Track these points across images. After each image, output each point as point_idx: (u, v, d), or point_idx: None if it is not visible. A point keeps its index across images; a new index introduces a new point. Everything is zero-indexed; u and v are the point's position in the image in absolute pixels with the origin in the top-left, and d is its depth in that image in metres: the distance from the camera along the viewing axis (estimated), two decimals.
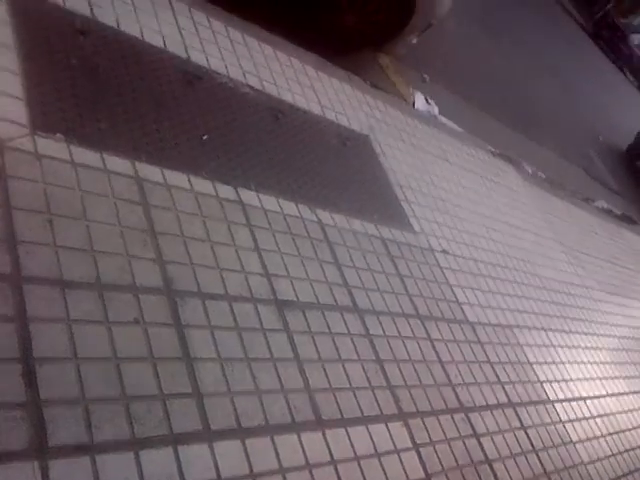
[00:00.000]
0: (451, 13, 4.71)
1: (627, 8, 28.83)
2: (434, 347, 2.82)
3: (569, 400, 3.53)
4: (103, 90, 2.23)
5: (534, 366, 3.45)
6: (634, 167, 11.00)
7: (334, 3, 3.90)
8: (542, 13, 16.19)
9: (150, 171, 2.12)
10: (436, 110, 4.84)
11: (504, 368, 3.19)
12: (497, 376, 3.08)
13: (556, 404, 3.38)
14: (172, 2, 2.87)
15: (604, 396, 3.92)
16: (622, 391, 4.18)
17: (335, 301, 2.47)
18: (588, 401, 3.70)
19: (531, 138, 6.90)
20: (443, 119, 4.91)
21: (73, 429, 1.43)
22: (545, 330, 3.83)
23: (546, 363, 3.59)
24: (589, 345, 4.25)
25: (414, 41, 4.43)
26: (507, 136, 6.21)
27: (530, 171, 5.72)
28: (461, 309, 3.20)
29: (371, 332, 2.52)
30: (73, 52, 2.24)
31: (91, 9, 2.45)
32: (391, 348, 2.57)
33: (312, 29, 3.95)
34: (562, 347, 3.90)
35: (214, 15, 3.07)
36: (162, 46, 2.63)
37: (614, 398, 4.01)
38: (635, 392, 4.35)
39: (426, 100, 4.78)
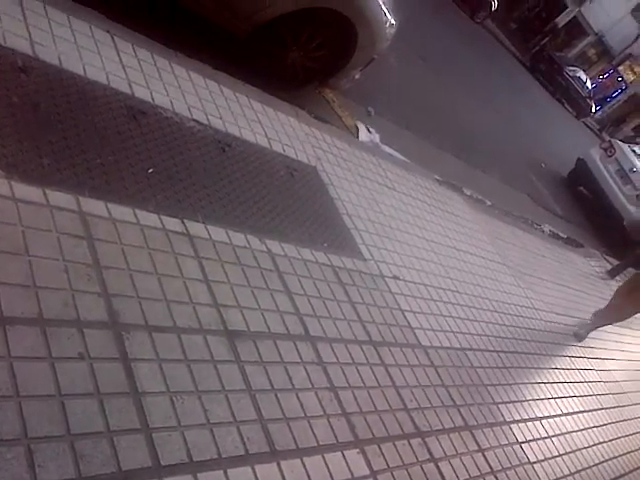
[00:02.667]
0: (392, 48, 4.89)
1: (562, 42, 30.38)
2: (388, 372, 2.84)
3: (525, 420, 3.59)
4: (45, 127, 2.22)
5: (488, 388, 3.50)
6: (576, 192, 11.45)
7: (278, 39, 3.99)
8: (481, 48, 16.89)
9: (94, 205, 2.11)
10: (377, 138, 4.96)
11: (459, 391, 3.22)
12: (452, 399, 3.11)
13: (512, 425, 3.42)
14: (115, 40, 2.89)
15: (560, 415, 3.99)
16: (577, 409, 4.27)
17: (287, 330, 2.47)
18: (544, 421, 3.76)
19: (475, 166, 7.13)
20: (388, 149, 5.04)
21: (15, 470, 1.38)
22: (497, 352, 3.90)
23: (500, 384, 3.65)
24: (541, 365, 4.35)
25: (357, 76, 4.56)
26: (452, 165, 6.41)
27: (476, 198, 5.88)
28: (414, 333, 3.24)
29: (324, 360, 2.53)
30: (14, 90, 2.23)
31: (32, 47, 2.45)
32: (345, 375, 2.57)
33: (257, 64, 4.02)
34: (515, 368, 3.97)
35: (158, 52, 3.10)
36: (105, 82, 2.64)
37: (570, 417, 4.09)
38: (590, 410, 4.45)
39: (367, 129, 4.90)
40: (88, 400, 1.62)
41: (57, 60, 2.52)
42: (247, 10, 3.75)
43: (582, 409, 4.34)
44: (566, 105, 23.01)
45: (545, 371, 4.31)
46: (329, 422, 2.32)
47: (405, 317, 3.27)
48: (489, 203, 6.13)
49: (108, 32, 2.90)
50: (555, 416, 3.93)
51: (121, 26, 3.04)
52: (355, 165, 4.12)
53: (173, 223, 2.36)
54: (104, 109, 2.52)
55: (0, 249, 1.72)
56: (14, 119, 2.13)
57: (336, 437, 2.30)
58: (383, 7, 4.26)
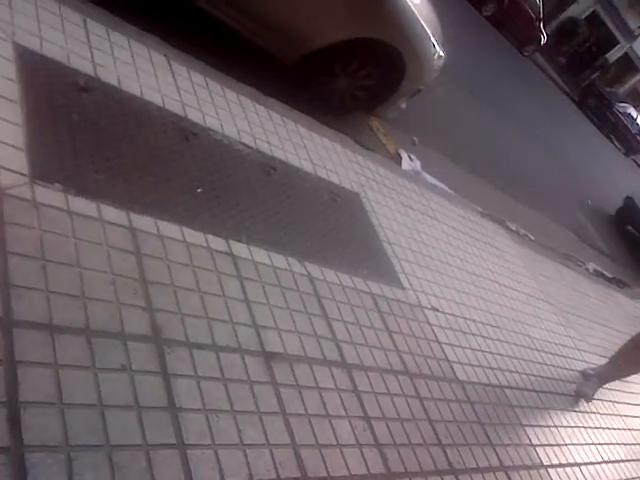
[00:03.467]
0: (440, 80, 4.92)
1: (612, 77, 29.99)
2: (423, 405, 2.80)
3: (563, 466, 3.47)
4: (102, 144, 2.31)
5: (526, 428, 3.40)
6: (623, 231, 11.19)
7: (327, 68, 4.06)
8: (529, 82, 16.80)
9: (144, 221, 2.17)
10: (420, 167, 4.96)
11: (495, 429, 3.14)
12: (488, 437, 3.04)
13: (550, 469, 3.31)
14: (171, 63, 2.99)
15: (600, 462, 3.85)
16: (619, 458, 4.11)
17: (323, 355, 2.47)
18: (583, 467, 3.63)
19: (520, 201, 7.04)
20: (431, 179, 5.03)
21: (55, 476, 1.41)
22: (537, 391, 3.80)
23: (539, 426, 3.54)
24: (582, 409, 4.21)
25: (404, 105, 4.59)
26: (496, 198, 6.35)
27: (519, 232, 5.80)
28: (451, 367, 3.19)
29: (359, 388, 2.51)
30: (75, 107, 2.32)
31: (94, 68, 2.56)
32: (379, 405, 2.55)
33: (305, 91, 4.10)
34: (555, 409, 3.86)
35: (211, 76, 3.20)
36: (161, 104, 2.73)
37: (611, 465, 3.94)
38: (633, 460, 4.27)
39: (410, 158, 4.91)
40: (127, 412, 1.65)
41: (116, 81, 2.62)
42: (297, 39, 3.84)
43: (624, 458, 4.18)
44: (615, 141, 22.61)
45: (586, 415, 4.16)
46: (361, 452, 2.29)
47: (443, 350, 3.23)
48: (533, 238, 6.04)
49: (165, 56, 3.01)
50: (595, 463, 3.79)
51: (177, 50, 3.15)
52: (398, 193, 4.12)
53: (217, 242, 2.41)
54: (158, 129, 2.60)
55: (53, 259, 1.78)
56: (73, 136, 2.22)
57: (368, 468, 2.27)
58: (432, 39, 4.31)
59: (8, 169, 1.89)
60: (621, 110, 22.24)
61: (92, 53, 2.61)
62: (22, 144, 2.00)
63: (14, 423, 1.41)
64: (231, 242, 2.47)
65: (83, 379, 1.61)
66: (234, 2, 3.55)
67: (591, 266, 7.21)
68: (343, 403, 2.38)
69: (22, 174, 1.92)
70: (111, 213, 2.08)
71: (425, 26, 4.21)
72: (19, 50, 2.29)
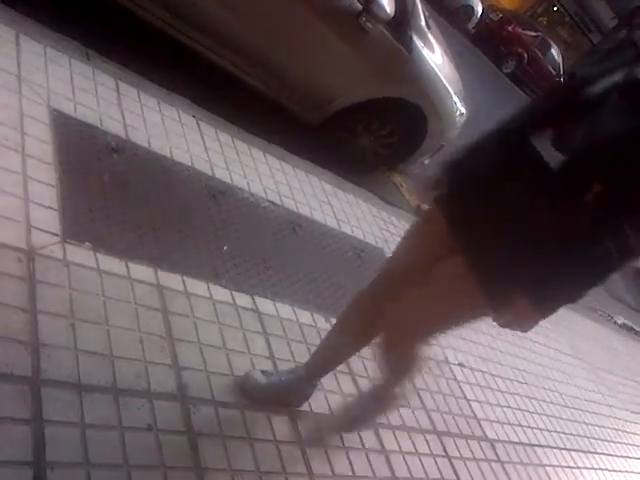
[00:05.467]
0: (462, 136, 4.98)
1: None
2: (452, 465, 2.72)
3: None
4: (132, 203, 2.37)
5: None
6: None
7: (350, 127, 4.15)
8: None
9: (171, 279, 2.20)
10: None
11: None
12: None
13: None
14: (199, 124, 3.09)
15: None
16: None
17: None
18: None
19: None
20: None
21: None
22: (568, 450, 3.68)
23: None
24: (616, 468, 4.05)
25: (426, 162, 4.64)
26: None
27: None
28: (479, 425, 3.11)
29: (387, 448, 2.46)
30: (106, 168, 2.40)
31: (125, 130, 2.65)
32: (407, 465, 2.48)
33: (328, 149, 4.18)
34: (587, 469, 3.73)
35: (238, 136, 3.29)
36: (189, 164, 2.80)
37: None
38: None
39: None
40: (153, 472, 1.63)
41: (146, 142, 2.70)
42: (321, 100, 3.95)
43: None
44: None
45: (619, 474, 4.01)
46: None
47: (471, 407, 3.16)
48: None
49: (194, 117, 3.11)
50: None
51: (205, 111, 3.25)
52: None
53: (244, 299, 2.42)
54: (186, 188, 2.67)
55: (83, 318, 1.81)
56: (104, 195, 2.29)
57: None
58: (454, 97, 4.39)
59: (40, 229, 1.95)
60: None
61: (123, 115, 2.71)
62: (55, 204, 2.06)
63: None
64: (257, 298, 2.48)
65: (110, 439, 1.61)
66: (261, 65, 3.68)
67: (620, 320, 7.05)
68: (370, 463, 2.33)
69: (54, 234, 1.97)
70: (139, 271, 2.12)
71: (447, 84, 4.30)
72: (54, 114, 2.39)
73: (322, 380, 2.29)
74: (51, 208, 2.04)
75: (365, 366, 2.69)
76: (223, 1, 3.32)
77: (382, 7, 3.50)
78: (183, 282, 2.23)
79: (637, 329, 7.36)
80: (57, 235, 1.97)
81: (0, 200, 1.90)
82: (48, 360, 1.64)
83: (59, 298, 1.81)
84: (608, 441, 4.21)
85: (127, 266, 2.09)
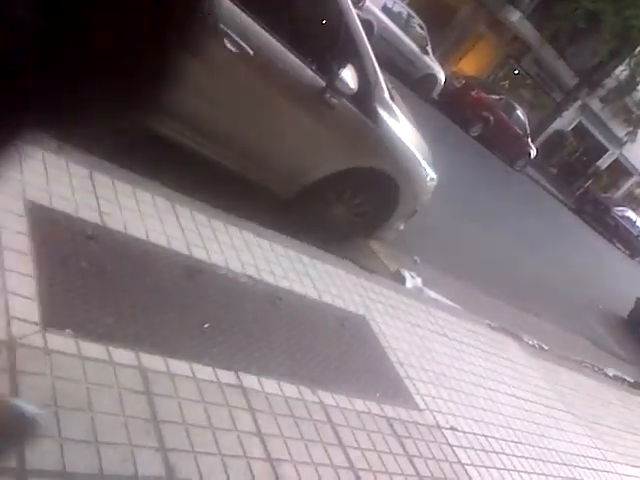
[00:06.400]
0: (434, 201, 5.12)
1: (606, 183, 30.87)
2: None
3: None
4: (110, 288, 2.39)
5: None
6: (638, 333, 10.99)
7: (323, 198, 4.25)
8: (523, 194, 17.33)
9: (153, 361, 2.20)
10: (420, 282, 5.01)
11: None
12: None
13: None
14: (175, 208, 3.16)
15: None
16: None
17: None
18: None
19: (528, 311, 7.03)
20: (436, 295, 5.07)
21: None
22: None
23: None
24: None
25: (401, 227, 4.75)
26: (503, 310, 6.34)
27: (532, 343, 5.74)
28: None
29: None
30: (83, 255, 2.43)
31: (101, 217, 2.70)
32: None
33: (303, 220, 4.25)
34: None
35: (213, 215, 3.36)
36: (166, 245, 2.85)
37: None
38: None
39: (411, 276, 4.99)
40: None
41: (122, 227, 2.75)
42: (293, 175, 4.06)
43: None
44: (618, 245, 22.83)
45: None
46: None
47: (466, 471, 3.11)
48: (546, 348, 5.96)
49: (168, 200, 3.18)
50: None
51: (179, 193, 3.32)
52: (404, 313, 4.15)
53: (227, 376, 2.41)
54: (164, 270, 2.70)
55: (66, 405, 1.80)
56: (83, 282, 2.31)
57: None
58: (423, 163, 4.54)
59: (20, 319, 1.95)
60: (619, 214, 22.64)
61: (98, 203, 2.77)
62: (33, 294, 2.08)
63: None
64: (241, 374, 2.47)
65: None
66: (231, 145, 3.80)
67: (610, 372, 7.04)
68: None
69: (34, 323, 1.98)
70: (121, 355, 2.12)
71: (415, 152, 4.46)
72: (29, 205, 2.44)
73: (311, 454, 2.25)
74: (30, 298, 2.05)
75: None
76: (188, 86, 3.46)
77: (345, 82, 3.66)
78: (165, 363, 2.23)
79: (629, 380, 7.33)
80: (37, 324, 1.98)
81: None
82: (32, 450, 1.61)
83: (41, 387, 1.80)
84: None
85: (108, 350, 2.09)
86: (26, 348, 1.87)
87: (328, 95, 3.75)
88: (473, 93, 18.21)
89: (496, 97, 19.19)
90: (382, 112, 4.13)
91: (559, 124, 26.82)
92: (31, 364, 1.83)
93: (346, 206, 4.36)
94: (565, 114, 26.19)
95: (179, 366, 2.27)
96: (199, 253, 2.99)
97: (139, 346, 2.21)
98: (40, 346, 1.92)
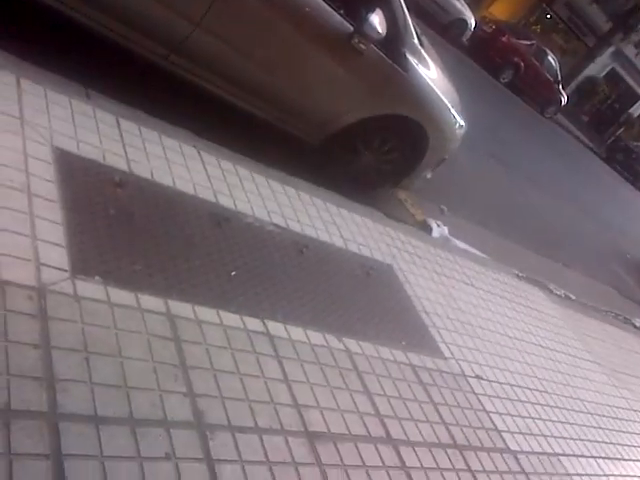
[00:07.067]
0: (463, 148, 5.00)
1: (638, 132, 29.95)
2: (475, 479, 2.69)
3: None
4: (138, 235, 2.39)
5: None
6: None
7: (350, 146, 4.18)
8: (553, 142, 16.90)
9: (181, 308, 2.21)
10: (449, 234, 4.96)
11: None
12: None
13: None
14: (201, 154, 3.13)
15: None
16: None
17: (368, 432, 2.42)
18: None
19: (556, 261, 6.94)
20: (463, 245, 5.02)
21: None
22: (595, 458, 3.63)
23: None
24: None
25: (429, 176, 4.67)
26: (531, 259, 6.27)
27: (559, 293, 5.69)
28: (501, 437, 3.08)
29: (407, 464, 2.44)
30: (111, 203, 2.43)
31: (128, 164, 2.69)
32: None
33: (331, 169, 4.21)
34: (616, 476, 3.66)
35: (240, 162, 3.32)
36: (193, 193, 2.84)
37: None
38: None
39: (437, 225, 4.93)
40: None
41: (149, 174, 2.74)
42: (321, 121, 3.99)
43: None
44: None
45: None
46: None
47: (491, 419, 3.13)
48: (573, 298, 5.91)
49: (194, 147, 3.15)
50: None
51: (206, 140, 3.29)
52: (430, 262, 4.12)
53: (254, 323, 2.43)
54: (191, 217, 2.69)
55: (96, 351, 1.82)
56: (111, 230, 2.32)
57: None
58: (452, 110, 4.42)
59: (50, 266, 1.97)
60: None
61: (125, 150, 2.75)
62: (62, 241, 2.09)
63: None
64: (267, 322, 2.49)
65: (129, 469, 1.61)
66: (259, 92, 3.73)
67: (637, 322, 6.97)
68: None
69: (63, 270, 2.00)
70: (149, 302, 2.14)
71: (444, 98, 4.34)
72: (57, 152, 2.43)
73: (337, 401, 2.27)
74: (59, 245, 2.06)
75: None
76: (217, 33, 3.38)
77: (373, 27, 3.54)
78: (193, 310, 2.24)
79: None
80: (66, 271, 2.00)
81: (9, 240, 1.93)
82: (64, 394, 1.65)
83: (72, 333, 1.83)
84: (636, 447, 4.14)
85: (137, 297, 2.11)
86: (56, 295, 1.89)
87: (356, 40, 3.64)
88: (503, 38, 17.62)
89: (527, 42, 18.53)
90: (411, 58, 4.01)
91: (591, 70, 25.95)
92: (61, 310, 1.86)
93: (374, 154, 4.28)
94: (598, 60, 25.31)
95: (207, 313, 2.29)
96: (226, 201, 2.97)
97: (167, 293, 2.23)
98: (70, 293, 1.94)
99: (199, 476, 1.74)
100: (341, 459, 2.20)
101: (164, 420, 1.80)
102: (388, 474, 2.31)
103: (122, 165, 2.66)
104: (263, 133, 3.93)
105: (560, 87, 19.54)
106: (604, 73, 27.37)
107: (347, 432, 2.33)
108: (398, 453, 2.44)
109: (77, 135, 2.60)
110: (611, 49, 25.74)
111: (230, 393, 2.06)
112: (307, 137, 4.07)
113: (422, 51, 4.21)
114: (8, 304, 1.75)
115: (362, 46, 3.67)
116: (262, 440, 2.01)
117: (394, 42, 3.85)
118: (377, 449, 2.38)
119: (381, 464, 2.33)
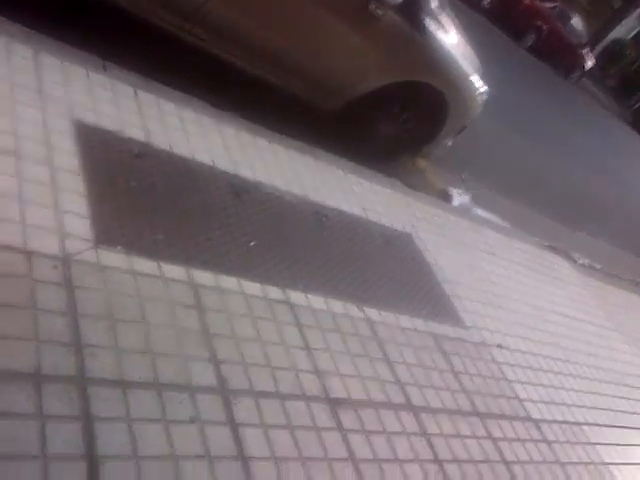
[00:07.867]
0: (484, 115, 4.92)
1: None
2: (497, 446, 2.71)
3: None
4: (159, 206, 2.42)
5: (610, 467, 3.24)
6: None
7: (369, 114, 4.14)
8: (577, 108, 16.54)
9: (203, 276, 2.24)
10: (471, 203, 4.92)
11: (576, 469, 3.01)
12: (568, 478, 2.91)
13: None
14: (220, 126, 3.13)
15: None
16: None
17: (388, 398, 2.44)
18: None
19: (580, 229, 6.86)
20: (485, 214, 4.98)
21: None
22: (617, 427, 3.63)
23: (624, 464, 3.36)
24: None
25: (449, 143, 4.61)
26: (554, 229, 6.20)
27: (583, 262, 5.63)
28: (523, 406, 3.09)
29: (428, 431, 2.47)
30: (131, 174, 2.45)
31: (147, 136, 2.70)
32: (450, 447, 2.49)
33: (350, 138, 4.18)
34: (638, 445, 3.66)
35: (258, 133, 3.32)
36: (211, 164, 2.84)
37: None
38: None
39: (460, 195, 4.89)
40: (199, 462, 1.68)
41: (168, 146, 2.75)
42: (339, 88, 3.95)
43: None
44: None
45: None
46: None
47: (512, 388, 3.14)
48: (598, 267, 5.85)
49: (213, 118, 3.15)
50: None
51: (224, 111, 3.29)
52: (451, 231, 4.10)
53: (275, 292, 2.45)
54: (211, 188, 2.71)
55: (121, 318, 1.86)
56: (132, 200, 2.34)
57: None
58: (472, 76, 4.34)
59: (74, 236, 2.00)
60: None
61: (144, 121, 2.76)
62: (85, 212, 2.12)
63: (93, 477, 1.46)
64: (288, 291, 2.51)
65: (155, 432, 1.66)
66: (275, 60, 3.70)
67: None
68: (412, 447, 2.34)
69: (87, 240, 2.03)
70: (172, 270, 2.17)
71: (464, 64, 4.26)
72: (77, 124, 2.45)
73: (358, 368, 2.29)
74: (82, 216, 2.10)
75: None
76: (233, 1, 3.35)
77: None
78: (215, 278, 2.27)
79: None
80: (90, 241, 2.03)
81: (33, 211, 1.96)
82: (92, 360, 1.69)
83: (97, 301, 1.87)
84: None
85: (159, 266, 2.14)
86: (80, 264, 1.93)
87: (373, 6, 3.59)
88: (526, 1, 17.14)
89: (550, 5, 17.99)
90: (430, 23, 3.94)
91: (618, 33, 25.16)
92: (86, 279, 1.89)
93: (393, 122, 4.24)
94: (624, 22, 24.49)
95: (228, 282, 2.32)
96: (244, 172, 2.98)
97: (189, 262, 2.26)
98: (94, 262, 1.97)
99: (223, 439, 1.79)
100: (362, 425, 2.24)
101: (189, 385, 1.84)
102: (409, 440, 2.34)
103: (141, 137, 2.67)
104: (281, 104, 3.90)
105: (585, 51, 19.03)
106: (631, 35, 26.56)
107: (368, 398, 2.36)
108: (419, 420, 2.47)
109: (95, 107, 2.61)
110: (638, 10, 24.93)
111: (252, 359, 2.09)
112: (326, 105, 4.03)
113: (441, 16, 4.13)
114: (35, 274, 1.79)
115: (379, 12, 3.61)
116: (284, 405, 2.04)
117: (412, 7, 3.78)
118: (398, 415, 2.41)
119: (402, 430, 2.36)
